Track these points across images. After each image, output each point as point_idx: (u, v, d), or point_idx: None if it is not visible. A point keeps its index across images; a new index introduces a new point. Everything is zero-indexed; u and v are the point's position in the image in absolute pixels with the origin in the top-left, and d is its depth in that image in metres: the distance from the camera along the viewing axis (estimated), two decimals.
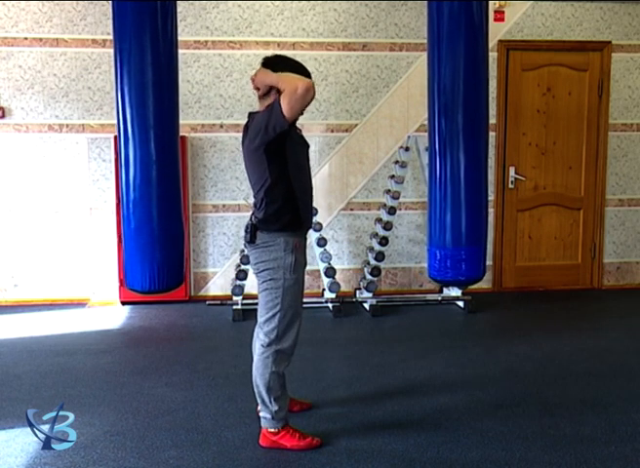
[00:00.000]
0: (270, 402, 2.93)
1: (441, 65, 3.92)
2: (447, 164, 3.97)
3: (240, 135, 3.16)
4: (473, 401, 3.53)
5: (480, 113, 3.99)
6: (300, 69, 2.95)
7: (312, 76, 3.02)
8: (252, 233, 2.93)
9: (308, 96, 2.73)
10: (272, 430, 2.97)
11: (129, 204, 3.70)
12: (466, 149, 3.94)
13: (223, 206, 5.81)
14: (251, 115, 3.01)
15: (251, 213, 3.05)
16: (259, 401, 2.99)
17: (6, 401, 3.55)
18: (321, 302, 5.41)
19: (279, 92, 2.84)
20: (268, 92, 2.93)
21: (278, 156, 2.86)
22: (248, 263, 5.06)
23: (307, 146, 3.10)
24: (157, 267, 3.70)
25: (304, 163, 3.03)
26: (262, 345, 2.94)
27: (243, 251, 5.25)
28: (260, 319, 2.97)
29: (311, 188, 3.07)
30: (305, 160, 3.05)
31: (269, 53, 3.25)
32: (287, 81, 2.76)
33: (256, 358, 2.98)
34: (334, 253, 5.75)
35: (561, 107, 5.98)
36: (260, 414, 3.02)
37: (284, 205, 2.90)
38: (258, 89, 2.97)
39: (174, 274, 3.80)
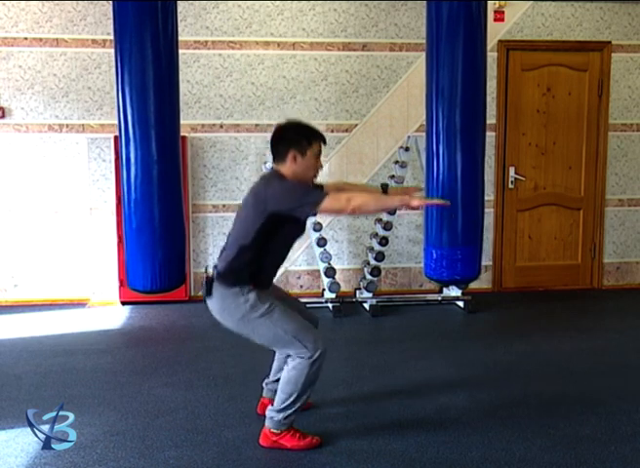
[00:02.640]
0: (293, 405, 2.91)
1: (439, 66, 3.93)
2: (444, 164, 3.99)
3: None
4: (473, 401, 3.53)
5: (477, 113, 4.00)
6: (304, 136, 2.95)
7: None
8: (208, 287, 2.95)
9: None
10: (275, 431, 2.96)
11: (130, 204, 3.71)
12: (463, 150, 3.95)
13: (223, 206, 5.81)
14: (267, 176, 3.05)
15: (213, 265, 3.05)
16: (277, 401, 2.94)
17: (6, 401, 3.56)
18: (321, 302, 5.41)
19: (294, 158, 2.91)
20: (285, 159, 2.94)
21: (274, 226, 2.87)
22: None
23: (304, 229, 3.11)
24: (159, 267, 3.71)
25: (291, 241, 3.05)
26: (294, 358, 2.90)
27: None
28: (281, 352, 3.03)
29: (283, 260, 3.09)
30: (294, 238, 3.06)
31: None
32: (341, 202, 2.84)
33: (290, 367, 2.92)
34: (334, 254, 5.74)
35: (561, 107, 5.98)
36: (269, 414, 2.98)
37: (248, 265, 2.91)
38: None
39: (175, 273, 3.81)
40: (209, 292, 2.95)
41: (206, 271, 3.02)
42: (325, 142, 3.05)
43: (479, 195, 4.06)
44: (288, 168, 2.96)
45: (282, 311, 2.94)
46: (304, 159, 2.95)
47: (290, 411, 2.93)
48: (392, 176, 5.63)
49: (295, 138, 2.96)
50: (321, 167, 3.06)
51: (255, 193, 2.95)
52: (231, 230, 3.04)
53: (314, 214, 3.22)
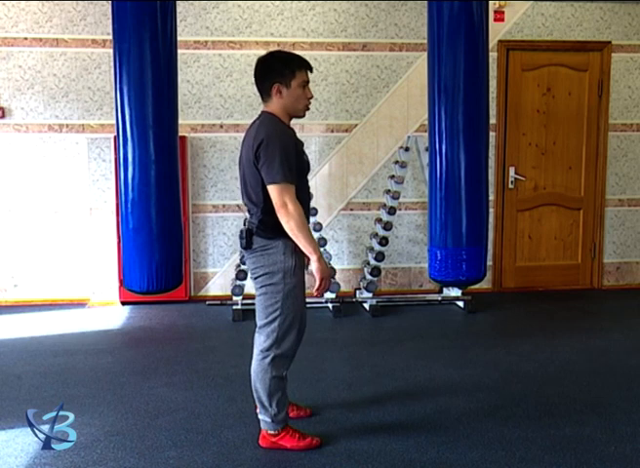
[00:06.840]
0: (270, 405, 2.90)
1: (441, 65, 3.92)
2: (447, 164, 3.97)
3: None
4: (473, 401, 3.53)
5: (480, 113, 3.99)
6: (286, 66, 2.83)
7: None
8: (247, 238, 2.84)
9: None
10: (272, 432, 2.96)
11: (127, 204, 3.70)
12: (467, 149, 3.94)
13: (223, 206, 5.81)
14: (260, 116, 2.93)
15: (244, 218, 2.99)
16: (258, 404, 2.97)
17: (6, 401, 3.56)
18: (321, 302, 5.40)
19: (279, 92, 2.82)
20: (270, 94, 2.86)
21: None
22: None
23: (308, 162, 3.00)
24: (155, 267, 3.69)
25: (302, 176, 2.91)
26: (262, 350, 2.89)
27: None
28: (259, 323, 2.92)
29: (308, 199, 3.00)
30: (304, 173, 2.94)
31: None
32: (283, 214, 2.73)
33: (255, 362, 2.93)
34: (334, 254, 5.75)
35: (561, 107, 5.98)
36: (260, 417, 2.99)
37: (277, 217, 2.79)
38: None
39: (172, 274, 3.79)
40: (249, 245, 2.84)
41: (245, 224, 2.92)
42: (311, 70, 2.89)
43: (483, 194, 4.04)
44: (275, 104, 2.84)
45: (297, 296, 2.87)
46: (290, 91, 2.81)
47: (274, 410, 2.90)
48: (392, 176, 5.63)
49: (276, 69, 2.81)
50: (311, 97, 2.90)
51: (246, 149, 2.84)
52: (244, 187, 2.91)
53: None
